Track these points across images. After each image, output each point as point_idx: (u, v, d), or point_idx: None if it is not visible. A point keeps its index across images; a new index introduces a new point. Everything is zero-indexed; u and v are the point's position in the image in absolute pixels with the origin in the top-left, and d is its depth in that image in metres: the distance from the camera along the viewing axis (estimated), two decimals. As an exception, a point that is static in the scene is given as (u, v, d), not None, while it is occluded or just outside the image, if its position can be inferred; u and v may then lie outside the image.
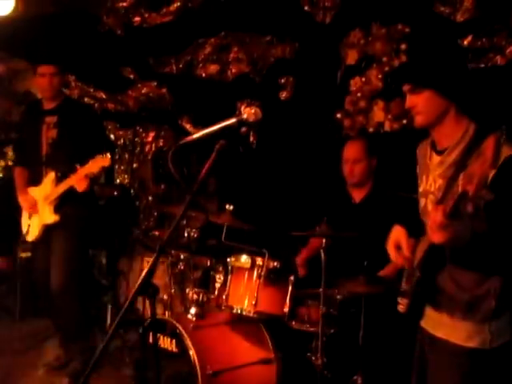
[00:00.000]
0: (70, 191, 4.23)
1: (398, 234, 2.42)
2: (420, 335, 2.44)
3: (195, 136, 2.10)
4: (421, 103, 2.29)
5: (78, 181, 4.17)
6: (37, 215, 4.43)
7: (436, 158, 2.37)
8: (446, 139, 2.32)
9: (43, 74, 4.37)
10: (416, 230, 2.46)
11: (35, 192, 4.44)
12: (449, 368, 2.24)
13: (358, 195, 4.09)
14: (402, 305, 2.35)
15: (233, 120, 2.05)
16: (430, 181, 2.39)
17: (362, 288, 3.40)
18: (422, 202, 2.46)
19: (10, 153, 6.97)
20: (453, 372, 2.23)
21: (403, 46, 4.52)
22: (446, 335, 2.26)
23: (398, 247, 2.39)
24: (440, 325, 2.29)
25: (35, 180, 4.46)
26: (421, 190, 2.48)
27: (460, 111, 2.30)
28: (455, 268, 2.21)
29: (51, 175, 4.36)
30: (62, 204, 4.34)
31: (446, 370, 2.25)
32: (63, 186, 4.25)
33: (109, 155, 4.10)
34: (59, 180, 4.32)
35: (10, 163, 6.98)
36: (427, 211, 2.39)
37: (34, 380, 4.43)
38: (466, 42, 4.12)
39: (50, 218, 4.35)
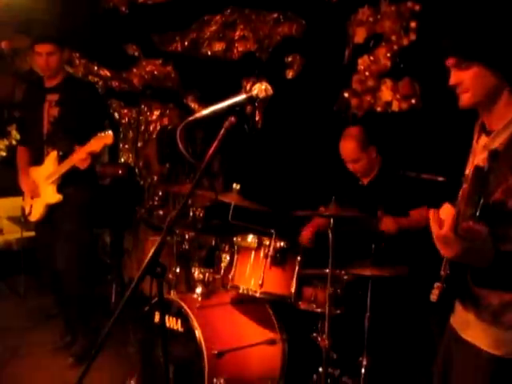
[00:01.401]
0: (73, 170, 4.20)
1: (447, 210, 2.06)
2: (447, 331, 2.26)
3: (204, 113, 2.05)
4: (468, 79, 2.02)
5: (80, 159, 4.14)
6: (39, 195, 4.40)
7: (484, 140, 2.10)
8: (497, 120, 2.05)
9: (40, 53, 4.32)
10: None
11: (37, 171, 4.41)
12: (473, 372, 2.08)
13: (365, 178, 4.05)
14: (434, 294, 2.15)
15: (242, 96, 2.00)
16: (474, 165, 2.08)
17: (369, 271, 3.38)
18: (465, 187, 2.17)
19: (14, 132, 6.94)
20: (477, 377, 2.06)
21: (413, 24, 4.45)
22: (472, 338, 2.09)
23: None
24: (467, 326, 2.12)
25: (37, 159, 4.43)
26: (466, 172, 2.20)
27: None
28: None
29: (53, 154, 4.33)
30: (64, 183, 4.31)
31: (470, 373, 2.09)
32: (66, 165, 4.22)
33: (111, 132, 4.06)
34: (61, 159, 4.29)
35: (13, 142, 6.96)
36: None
37: (39, 359, 4.44)
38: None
39: (54, 197, 4.32)
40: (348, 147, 3.97)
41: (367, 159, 3.95)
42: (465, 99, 2.05)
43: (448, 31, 2.14)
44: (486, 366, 2.04)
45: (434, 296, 2.10)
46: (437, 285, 2.09)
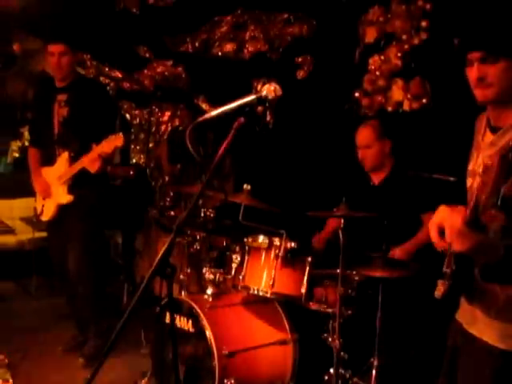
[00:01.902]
0: (84, 171, 4.22)
1: (443, 215, 2.10)
2: (454, 328, 2.27)
3: (213, 113, 2.05)
4: (494, 74, 2.01)
5: (91, 161, 4.15)
6: (51, 195, 4.43)
7: (489, 137, 2.13)
8: (504, 118, 2.08)
9: (52, 53, 4.34)
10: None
11: (49, 172, 4.43)
12: (480, 366, 2.09)
13: (376, 177, 4.04)
14: (439, 290, 2.17)
15: (252, 97, 2.00)
16: (480, 161, 2.14)
17: (380, 272, 3.36)
18: (469, 181, 2.22)
19: (26, 133, 6.99)
20: (484, 371, 2.07)
21: (424, 24, 4.42)
22: (478, 333, 2.10)
23: (441, 231, 2.11)
24: (474, 321, 2.13)
25: (49, 160, 4.46)
26: (470, 167, 2.23)
27: None
28: None
29: (65, 155, 4.35)
30: (76, 184, 4.33)
31: (477, 368, 2.10)
32: (77, 166, 4.24)
33: (122, 135, 4.07)
34: (73, 160, 4.31)
35: (26, 143, 7.00)
36: (472, 193, 2.15)
37: (51, 359, 4.46)
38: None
39: (65, 198, 4.34)
40: (364, 132, 4.01)
41: (379, 149, 3.95)
42: (488, 93, 2.04)
43: (475, 25, 2.14)
44: (492, 360, 2.05)
45: (438, 293, 2.12)
46: (441, 282, 2.10)
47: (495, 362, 2.04)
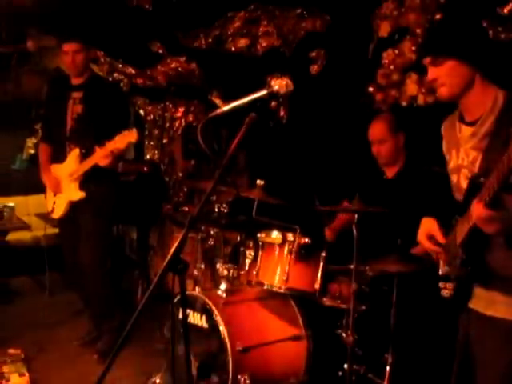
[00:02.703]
0: (95, 167, 4.23)
1: (429, 225, 2.40)
2: (466, 318, 2.35)
3: (225, 109, 2.05)
4: (443, 74, 2.20)
5: (103, 157, 4.16)
6: (62, 193, 4.44)
7: (467, 130, 2.28)
8: (475, 109, 2.23)
9: (67, 52, 4.36)
10: (450, 205, 2.41)
11: (60, 169, 4.45)
12: (504, 345, 2.17)
13: (390, 171, 4.01)
14: (448, 289, 2.27)
15: (263, 92, 1.99)
16: (462, 155, 2.30)
17: (395, 266, 3.35)
18: (454, 178, 2.38)
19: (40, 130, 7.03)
20: (507, 348, 2.16)
21: (438, 17, 4.38)
22: (498, 312, 2.18)
23: (430, 237, 2.38)
24: (492, 303, 2.20)
25: (60, 156, 4.47)
26: (451, 166, 2.40)
27: (486, 79, 2.22)
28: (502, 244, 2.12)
29: (75, 151, 4.36)
30: (87, 180, 4.34)
31: (501, 347, 2.18)
32: (89, 163, 4.25)
33: (135, 130, 4.08)
34: (84, 156, 4.32)
35: (39, 140, 7.04)
36: (460, 187, 2.31)
37: (66, 354, 4.49)
38: (506, 10, 3.97)
39: (76, 194, 4.36)
40: (377, 127, 3.97)
41: (394, 143, 3.91)
42: (443, 92, 2.24)
43: (426, 33, 2.33)
44: (506, 331, 2.15)
45: (447, 291, 2.22)
46: (443, 283, 2.21)
47: (509, 332, 2.14)
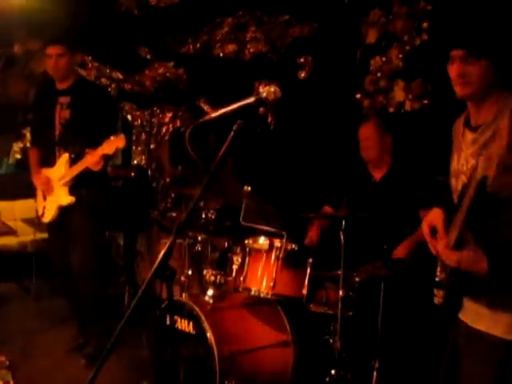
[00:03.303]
0: (85, 172, 4.22)
1: (435, 216, 2.25)
2: (455, 328, 2.30)
3: (213, 115, 2.05)
4: (474, 73, 2.10)
5: (93, 162, 4.15)
6: (52, 197, 4.43)
7: (469, 136, 2.21)
8: (483, 115, 2.16)
9: (50, 55, 4.35)
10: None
11: (49, 173, 4.44)
12: (487, 361, 2.12)
13: (377, 174, 4.05)
14: (438, 297, 2.21)
15: (252, 99, 1.99)
16: (462, 160, 2.24)
17: (381, 271, 3.36)
18: (453, 181, 2.31)
19: (28, 134, 6.98)
20: (491, 365, 2.11)
21: (425, 25, 4.43)
22: (485, 328, 2.13)
23: (433, 228, 2.24)
24: (480, 317, 2.15)
25: (49, 161, 4.46)
26: (451, 169, 2.33)
27: (504, 87, 2.14)
28: None
29: (65, 156, 4.35)
30: (76, 185, 4.33)
31: (484, 362, 2.13)
32: (78, 168, 4.23)
33: (123, 136, 4.08)
34: (73, 161, 4.31)
35: (28, 144, 7.00)
36: (458, 192, 2.24)
37: (52, 360, 4.45)
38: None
39: (66, 199, 4.34)
40: (367, 126, 4.05)
41: (381, 144, 3.98)
42: (466, 90, 2.13)
43: (462, 24, 2.20)
44: (499, 352, 2.09)
45: (438, 299, 2.16)
46: (437, 290, 2.16)
47: (504, 353, 2.09)
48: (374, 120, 4.12)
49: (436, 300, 2.22)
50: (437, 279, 2.28)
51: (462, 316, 2.25)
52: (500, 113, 2.06)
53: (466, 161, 2.21)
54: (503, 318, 2.09)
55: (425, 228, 2.25)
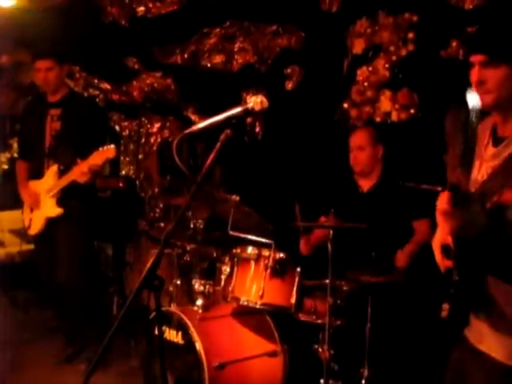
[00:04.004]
0: (73, 184, 4.22)
1: (443, 234, 2.11)
2: (460, 343, 2.17)
3: (200, 126, 2.06)
4: (494, 80, 1.96)
5: (81, 173, 4.15)
6: (39, 209, 4.42)
7: (491, 149, 2.08)
8: (509, 127, 2.02)
9: (39, 69, 4.35)
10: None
11: (37, 185, 4.43)
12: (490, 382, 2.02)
13: (365, 184, 4.06)
14: (444, 309, 2.11)
15: (239, 109, 2.01)
16: (483, 171, 2.09)
17: (369, 279, 3.37)
18: (472, 190, 2.13)
19: (15, 145, 6.96)
20: None
21: (411, 35, 4.47)
22: (488, 349, 2.03)
23: (445, 246, 2.08)
24: (482, 338, 2.05)
25: (37, 172, 4.45)
26: (473, 177, 2.14)
27: None
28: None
29: (54, 168, 4.35)
30: (64, 197, 4.32)
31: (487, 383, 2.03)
32: (66, 179, 4.23)
33: (113, 146, 4.08)
34: (62, 173, 4.31)
35: (15, 155, 6.97)
36: None
37: (39, 372, 4.42)
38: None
39: (54, 211, 4.33)
40: (359, 134, 4.10)
41: (372, 153, 4.01)
42: (487, 99, 2.00)
43: (482, 28, 2.12)
44: (502, 377, 2.01)
45: (444, 312, 2.06)
46: (445, 303, 2.06)
47: (504, 379, 2.00)
48: (366, 128, 4.20)
49: (442, 313, 2.11)
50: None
51: (467, 333, 2.15)
52: None
53: (487, 173, 2.08)
54: (506, 342, 1.99)
55: (437, 248, 2.10)
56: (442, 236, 2.09)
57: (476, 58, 1.99)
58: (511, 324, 1.97)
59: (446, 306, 2.02)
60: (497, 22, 2.09)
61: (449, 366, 2.26)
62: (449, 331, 2.14)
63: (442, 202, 1.91)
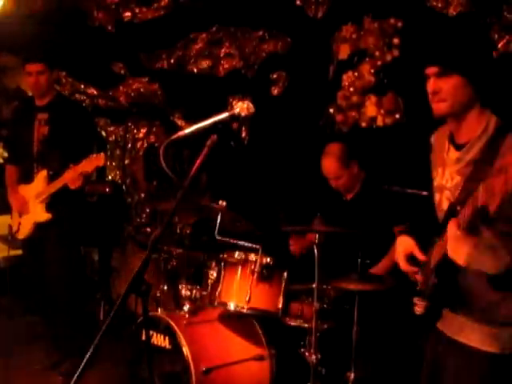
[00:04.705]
0: (62, 189, 4.21)
1: (406, 243, 2.35)
2: (434, 337, 2.31)
3: (187, 131, 2.07)
4: (447, 89, 2.11)
5: (72, 179, 4.14)
6: (27, 214, 4.40)
7: (454, 154, 2.22)
8: (466, 133, 2.17)
9: (30, 73, 4.34)
10: (421, 226, 2.42)
11: (27, 190, 4.41)
12: (466, 372, 2.14)
13: (348, 194, 4.07)
14: (419, 307, 2.23)
15: (225, 114, 2.02)
16: (447, 176, 2.24)
17: (355, 285, 3.39)
18: (437, 196, 2.32)
19: (1, 150, 6.92)
20: (470, 376, 2.13)
21: (396, 41, 4.51)
22: (464, 338, 2.15)
23: (409, 257, 2.32)
24: (458, 328, 2.18)
25: (26, 177, 4.44)
26: (436, 183, 2.34)
27: (483, 104, 2.16)
28: (473, 272, 2.06)
29: (43, 173, 4.33)
30: (53, 202, 4.31)
31: (464, 373, 2.15)
32: (56, 184, 4.22)
33: (103, 154, 4.09)
34: (51, 178, 4.30)
35: (0, 160, 6.93)
36: (441, 208, 2.27)
37: (26, 379, 4.40)
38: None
39: (43, 216, 4.32)
40: (329, 165, 3.98)
41: (349, 176, 3.97)
42: (441, 107, 2.14)
43: (434, 42, 2.27)
44: (478, 363, 2.11)
45: (418, 309, 2.18)
46: (418, 299, 2.18)
47: (483, 365, 2.11)
48: (334, 153, 3.99)
49: (417, 310, 2.24)
50: (418, 288, 2.31)
51: (441, 326, 2.27)
52: (482, 132, 2.12)
53: (451, 177, 2.22)
54: (482, 329, 2.11)
55: (400, 259, 2.34)
56: (403, 248, 2.33)
57: (430, 70, 2.15)
58: (487, 313, 2.10)
59: (420, 303, 2.14)
60: (448, 36, 2.31)
61: (424, 361, 2.39)
62: (424, 326, 2.26)
63: (453, 226, 1.95)
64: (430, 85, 2.15)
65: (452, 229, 1.95)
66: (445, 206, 2.23)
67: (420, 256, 2.26)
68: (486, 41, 3.84)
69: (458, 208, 2.00)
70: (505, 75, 3.59)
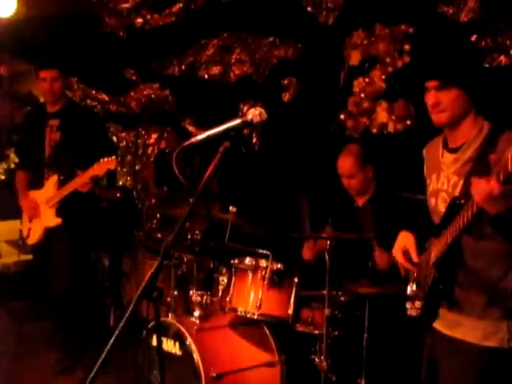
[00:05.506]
0: (72, 194, 4.22)
1: (406, 239, 2.50)
2: (431, 337, 2.43)
3: (199, 137, 2.07)
4: (447, 101, 2.29)
5: (82, 184, 4.17)
6: (38, 219, 4.42)
7: (449, 157, 2.38)
8: (461, 137, 2.34)
9: (44, 79, 4.37)
10: (422, 230, 2.48)
11: (37, 195, 4.44)
12: (465, 368, 2.23)
13: (360, 199, 4.06)
14: (415, 308, 2.34)
15: (237, 121, 2.03)
16: (442, 179, 2.39)
17: (367, 290, 3.38)
18: (433, 201, 2.46)
19: (13, 155, 6.97)
20: (469, 371, 2.22)
21: (407, 47, 4.50)
22: (462, 335, 2.25)
23: (405, 252, 2.46)
24: (456, 325, 2.28)
25: (37, 183, 4.46)
26: (430, 189, 2.49)
27: (477, 111, 2.34)
28: (473, 268, 2.22)
29: (53, 178, 4.36)
30: (64, 207, 4.33)
31: (462, 369, 2.24)
32: (67, 189, 4.24)
33: (114, 157, 4.10)
34: (62, 183, 4.31)
35: (12, 165, 6.98)
36: (438, 210, 2.40)
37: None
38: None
39: (53, 221, 4.34)
40: (346, 162, 3.99)
41: (363, 177, 3.97)
42: (442, 118, 2.33)
43: (434, 58, 2.46)
44: (476, 358, 2.21)
45: (414, 311, 2.30)
46: (411, 302, 2.28)
47: (481, 360, 2.21)
48: (352, 152, 4.02)
49: (412, 312, 2.34)
50: (408, 293, 2.46)
51: (437, 325, 2.37)
52: (477, 134, 2.29)
53: (448, 179, 2.36)
54: (479, 325, 2.21)
55: (398, 255, 2.48)
56: (403, 244, 2.47)
57: (431, 84, 2.33)
58: (482, 308, 2.21)
59: (415, 304, 2.24)
60: (447, 52, 2.53)
61: (423, 363, 2.52)
62: (421, 327, 2.33)
63: (494, 184, 1.93)
64: (431, 97, 2.33)
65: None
66: (441, 207, 2.36)
67: (414, 257, 2.41)
68: (480, 54, 4.04)
69: (462, 201, 2.13)
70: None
